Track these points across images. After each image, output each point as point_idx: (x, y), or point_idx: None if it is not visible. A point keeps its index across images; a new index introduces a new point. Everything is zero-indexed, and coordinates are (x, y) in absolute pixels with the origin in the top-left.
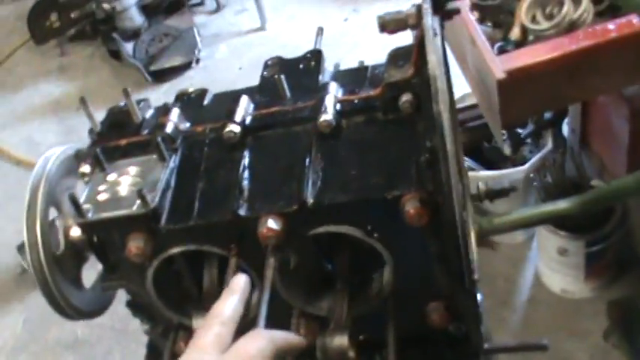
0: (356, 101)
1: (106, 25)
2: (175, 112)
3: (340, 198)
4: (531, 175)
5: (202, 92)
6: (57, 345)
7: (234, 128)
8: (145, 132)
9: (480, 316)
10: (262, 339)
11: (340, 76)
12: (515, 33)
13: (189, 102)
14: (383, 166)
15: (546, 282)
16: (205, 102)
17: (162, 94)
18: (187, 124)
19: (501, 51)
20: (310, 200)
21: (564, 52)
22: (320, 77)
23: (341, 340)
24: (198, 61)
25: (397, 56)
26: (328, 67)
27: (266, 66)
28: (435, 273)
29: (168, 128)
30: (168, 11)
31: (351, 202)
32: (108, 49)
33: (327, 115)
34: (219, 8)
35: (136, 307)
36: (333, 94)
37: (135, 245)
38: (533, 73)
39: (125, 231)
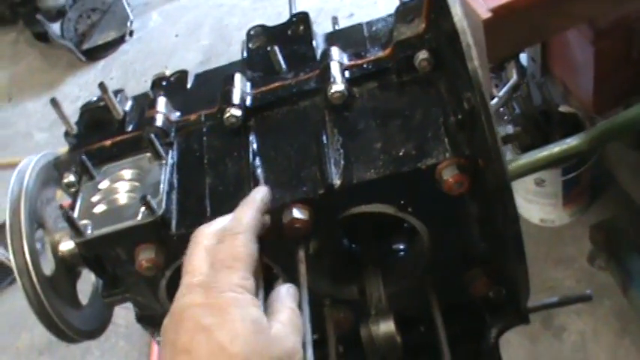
0: (365, 65)
1: (25, 6)
2: (162, 102)
3: (370, 175)
4: (501, 109)
5: (182, 74)
6: (30, 351)
7: (234, 112)
8: (130, 128)
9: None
10: (237, 235)
11: (336, 38)
12: None
13: (170, 87)
14: (409, 134)
15: (525, 214)
16: (189, 85)
17: (99, 72)
18: (178, 114)
19: None
20: (337, 182)
21: None
22: (314, 42)
23: (387, 327)
24: (131, 33)
25: (405, 11)
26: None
27: (249, 37)
28: (474, 238)
29: (159, 121)
30: None
31: (382, 178)
32: (32, 32)
33: (338, 85)
34: None
35: (146, 320)
36: (338, 60)
37: (145, 258)
38: (518, 8)
39: (132, 243)
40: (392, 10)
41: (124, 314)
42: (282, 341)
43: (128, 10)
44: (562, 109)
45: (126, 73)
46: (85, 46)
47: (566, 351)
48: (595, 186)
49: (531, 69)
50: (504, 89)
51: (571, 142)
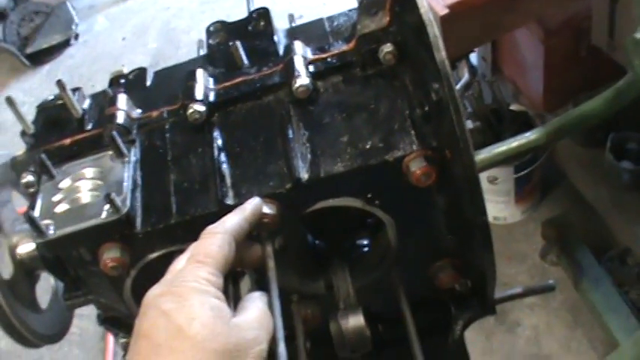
0: (329, 59)
1: None
2: (123, 99)
3: (337, 168)
4: None
5: (141, 72)
6: None
7: (198, 107)
8: (90, 126)
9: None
10: (215, 235)
11: (297, 33)
12: None
13: (129, 85)
14: (375, 127)
15: None
16: (148, 82)
17: (44, 76)
18: (139, 111)
19: None
20: (305, 176)
21: None
22: (275, 37)
23: (356, 320)
24: (77, 36)
25: (369, 5)
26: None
27: (209, 33)
28: (441, 230)
29: (120, 118)
30: None
31: (349, 172)
32: None
33: (302, 79)
34: None
35: (110, 322)
36: (301, 54)
37: (110, 257)
38: (474, 5)
39: (96, 243)
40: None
41: (76, 322)
42: (243, 330)
43: (73, 13)
44: (513, 107)
45: (72, 78)
46: (29, 50)
47: (520, 345)
48: (546, 183)
49: (482, 68)
50: (456, 88)
51: (529, 136)
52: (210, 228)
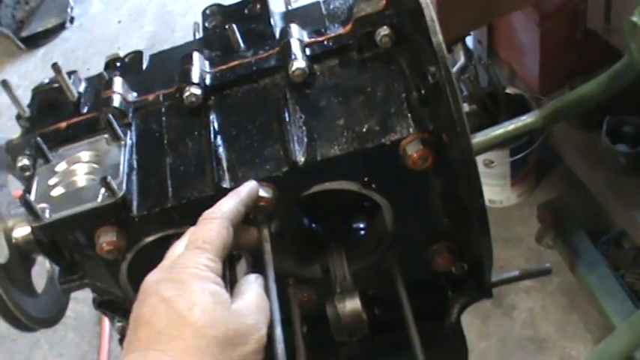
0: (326, 42)
1: None
2: (119, 82)
3: (334, 152)
4: None
5: (137, 55)
6: None
7: (194, 90)
8: (86, 110)
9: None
10: (213, 220)
11: (294, 16)
12: None
13: (125, 68)
14: (372, 110)
15: None
16: (144, 66)
17: (39, 60)
18: (135, 94)
19: None
20: (301, 159)
21: None
22: (272, 21)
23: (353, 304)
24: (72, 19)
25: None
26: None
27: (205, 16)
28: (437, 214)
29: (116, 101)
30: None
31: (346, 155)
32: None
33: (299, 62)
34: None
35: (106, 305)
36: (297, 37)
37: (106, 241)
38: None
39: (92, 226)
40: None
41: (72, 306)
42: (243, 316)
43: None
44: (509, 90)
45: (67, 61)
46: (24, 33)
47: (516, 328)
48: (542, 166)
49: (478, 52)
50: (452, 71)
51: (526, 119)
52: (208, 213)
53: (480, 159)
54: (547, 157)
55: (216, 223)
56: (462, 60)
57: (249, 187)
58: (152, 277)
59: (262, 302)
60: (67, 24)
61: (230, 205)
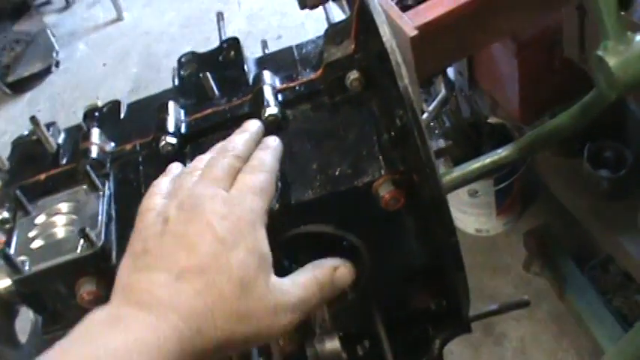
0: (297, 88)
1: None
2: (96, 133)
3: (307, 196)
4: (431, 123)
5: (115, 104)
6: None
7: (170, 140)
8: (65, 161)
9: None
10: (264, 172)
11: (267, 62)
12: None
13: (103, 118)
14: (344, 153)
15: (460, 225)
16: (122, 115)
17: (25, 105)
18: (112, 144)
19: (403, 7)
20: (275, 205)
21: None
22: (245, 67)
23: (332, 345)
24: (57, 63)
25: (334, 33)
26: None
27: (181, 64)
28: (413, 251)
29: (94, 152)
30: (14, 16)
31: (320, 198)
32: None
33: (271, 109)
34: (69, 4)
35: None
36: (270, 83)
37: (87, 291)
38: (444, 24)
39: (72, 277)
40: (319, 31)
41: None
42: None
43: (53, 40)
44: (491, 120)
45: (54, 105)
46: (10, 78)
47: (507, 357)
48: (526, 194)
49: (459, 83)
50: (434, 103)
51: (501, 152)
52: (254, 165)
53: (464, 189)
54: (531, 185)
55: (266, 175)
56: (443, 92)
57: (277, 141)
58: (202, 192)
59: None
60: (53, 68)
61: (273, 161)
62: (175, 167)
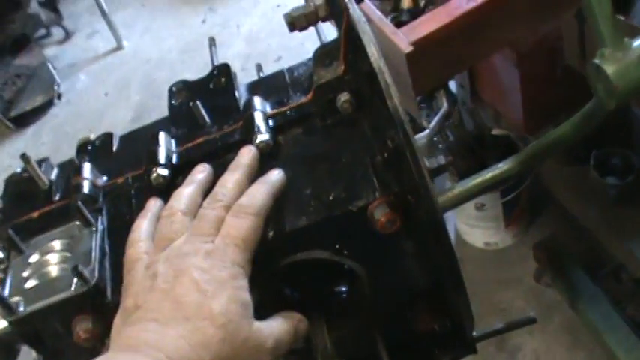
0: (288, 112)
1: None
2: (87, 168)
3: (302, 222)
4: (434, 138)
5: (107, 138)
6: None
7: (161, 171)
8: (57, 197)
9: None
10: (249, 216)
11: (258, 87)
12: (406, 2)
13: (96, 152)
14: (338, 177)
15: (469, 239)
16: (114, 148)
17: (29, 138)
18: (105, 178)
19: (397, 23)
20: (270, 233)
21: (465, 10)
22: (236, 94)
23: None
24: (60, 96)
25: (323, 55)
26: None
27: (172, 93)
28: (413, 273)
29: (86, 188)
30: (15, 50)
31: (314, 224)
32: None
33: (263, 135)
34: (68, 36)
35: None
36: (260, 109)
37: (83, 329)
38: (439, 39)
39: (68, 316)
40: None
41: None
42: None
43: (54, 72)
44: (494, 132)
45: (57, 137)
46: (13, 113)
47: None
48: (534, 205)
49: (461, 96)
50: (436, 118)
51: (503, 166)
52: (241, 206)
53: (471, 203)
54: (539, 195)
55: (255, 221)
56: (445, 106)
57: (278, 176)
58: (188, 255)
59: (286, 337)
60: (55, 100)
61: (265, 200)
62: (153, 205)
